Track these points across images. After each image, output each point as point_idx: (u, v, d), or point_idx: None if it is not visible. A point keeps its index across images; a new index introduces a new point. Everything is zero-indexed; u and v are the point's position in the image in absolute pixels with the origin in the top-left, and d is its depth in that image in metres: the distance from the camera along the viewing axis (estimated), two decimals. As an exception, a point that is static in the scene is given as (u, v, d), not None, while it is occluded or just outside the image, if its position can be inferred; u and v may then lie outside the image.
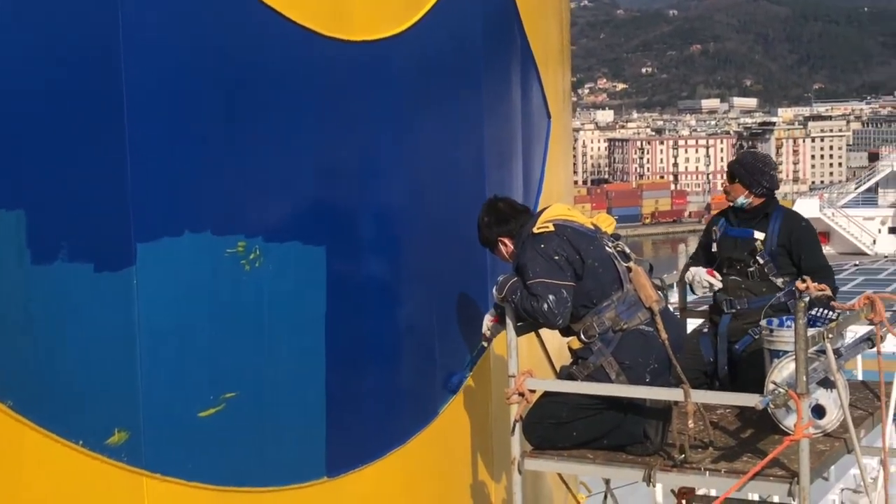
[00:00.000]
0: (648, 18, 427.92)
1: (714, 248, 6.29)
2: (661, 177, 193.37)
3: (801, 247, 6.13)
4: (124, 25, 4.10)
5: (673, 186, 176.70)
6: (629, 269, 5.38)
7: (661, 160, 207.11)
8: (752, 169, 6.21)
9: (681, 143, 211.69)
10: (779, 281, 6.06)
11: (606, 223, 5.57)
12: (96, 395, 4.07)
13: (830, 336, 5.01)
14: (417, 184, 5.81)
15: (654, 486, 5.34)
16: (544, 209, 5.50)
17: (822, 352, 5.20)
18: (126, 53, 4.12)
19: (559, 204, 5.59)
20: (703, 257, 6.44)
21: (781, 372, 5.26)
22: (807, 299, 5.13)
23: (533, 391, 5.42)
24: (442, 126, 6.01)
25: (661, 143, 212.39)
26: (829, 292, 5.69)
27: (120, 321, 4.14)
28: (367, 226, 5.47)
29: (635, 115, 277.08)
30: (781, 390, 4.85)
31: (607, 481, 6.19)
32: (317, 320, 5.06)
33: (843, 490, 13.23)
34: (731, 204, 6.29)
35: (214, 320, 4.53)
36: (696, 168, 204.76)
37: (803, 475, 4.83)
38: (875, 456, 6.23)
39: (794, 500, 4.96)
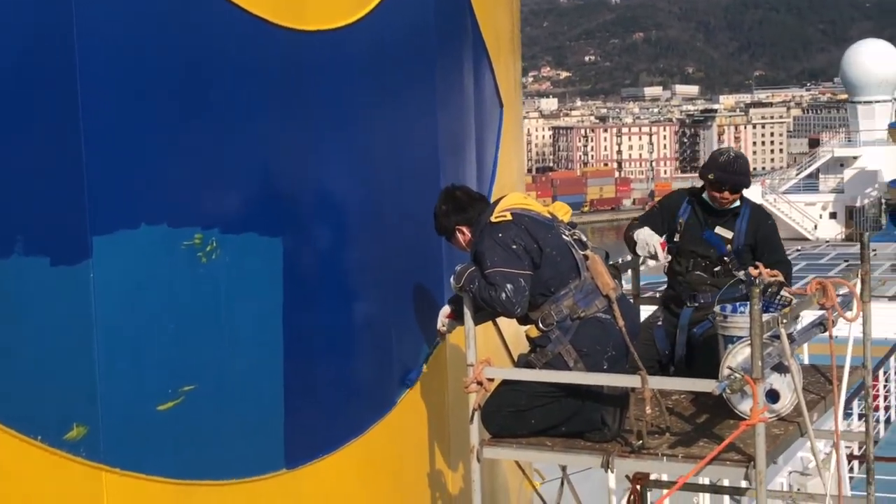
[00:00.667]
0: (591, 7, 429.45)
1: (676, 238, 6.27)
2: (606, 164, 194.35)
3: (766, 244, 6.20)
4: (78, 16, 4.06)
5: (617, 174, 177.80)
6: (586, 258, 5.40)
7: (605, 148, 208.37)
8: (748, 175, 6.19)
9: (624, 130, 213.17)
10: (741, 273, 6.10)
11: (562, 211, 5.59)
12: (54, 389, 4.03)
13: (785, 321, 5.07)
14: (372, 173, 5.80)
15: (612, 472, 5.37)
16: (501, 198, 5.51)
17: (776, 337, 5.26)
18: (80, 44, 4.07)
19: (516, 193, 5.61)
20: (657, 224, 6.30)
21: (736, 357, 5.31)
22: (761, 285, 5.17)
23: (491, 380, 5.43)
24: (396, 115, 6.00)
25: (605, 130, 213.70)
26: (781, 278, 5.75)
27: (77, 315, 4.10)
28: (322, 216, 5.45)
29: (579, 102, 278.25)
30: (737, 375, 4.89)
31: (563, 468, 6.22)
32: (274, 312, 5.04)
33: (790, 473, 13.43)
34: (717, 206, 6.19)
35: (172, 313, 4.50)
36: (640, 155, 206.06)
37: (759, 459, 4.88)
38: (827, 439, 6.33)
39: (750, 484, 5.01)
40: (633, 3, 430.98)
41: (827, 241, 52.70)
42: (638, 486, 6.71)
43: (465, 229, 5.54)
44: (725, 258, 6.12)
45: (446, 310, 5.86)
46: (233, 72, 4.82)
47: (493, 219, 5.35)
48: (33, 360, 3.96)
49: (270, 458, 5.04)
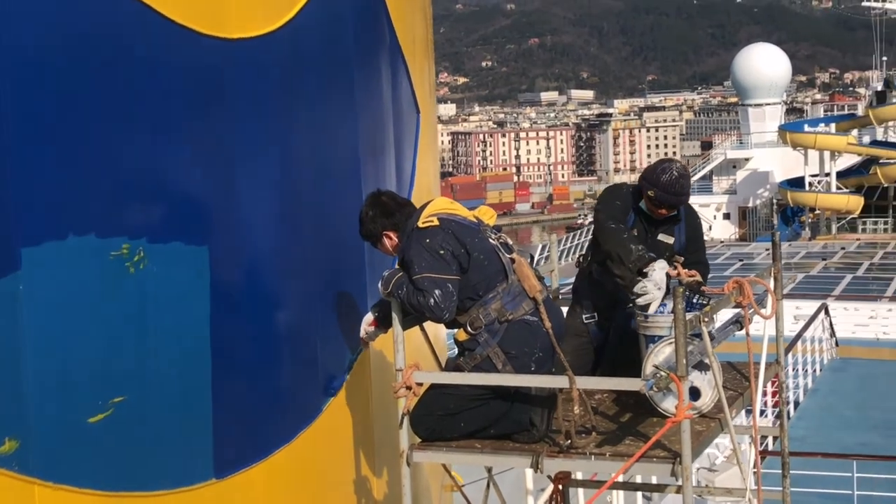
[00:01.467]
0: (487, 13, 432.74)
1: None
2: (504, 169, 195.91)
3: (693, 244, 6.31)
4: None
5: (516, 178, 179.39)
6: (512, 261, 5.47)
7: (504, 153, 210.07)
8: (688, 194, 6.19)
9: (522, 135, 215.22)
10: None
11: (488, 215, 5.65)
12: (-16, 404, 3.95)
13: (706, 320, 5.20)
14: (293, 180, 5.78)
15: (542, 472, 5.44)
16: (427, 203, 5.55)
17: (696, 335, 5.39)
18: (1, 49, 4.00)
19: (442, 197, 5.65)
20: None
21: (657, 356, 5.43)
22: (682, 286, 5.28)
23: (420, 384, 5.47)
24: (316, 121, 5.99)
25: (503, 135, 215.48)
26: (699, 278, 5.89)
27: (6, 327, 4.03)
28: (245, 224, 5.41)
29: (477, 108, 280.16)
30: (663, 373, 5.00)
31: (489, 469, 6.28)
32: (202, 321, 5.00)
33: (698, 469, 13.69)
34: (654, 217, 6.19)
35: (101, 324, 4.44)
36: (538, 160, 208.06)
37: (685, 455, 5.00)
38: (745, 434, 6.49)
39: (676, 480, 5.12)
40: (527, 8, 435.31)
41: (722, 242, 53.74)
42: (560, 486, 6.79)
43: (391, 234, 5.57)
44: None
45: (369, 317, 5.88)
46: (157, 80, 4.77)
47: (420, 224, 5.39)
48: (-38, 373, 3.89)
49: (200, 468, 4.99)
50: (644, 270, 5.81)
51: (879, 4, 64.84)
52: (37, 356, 4.13)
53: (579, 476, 7.31)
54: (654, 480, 7.06)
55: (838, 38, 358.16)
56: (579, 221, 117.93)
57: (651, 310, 5.78)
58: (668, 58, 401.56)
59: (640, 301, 5.79)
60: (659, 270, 5.81)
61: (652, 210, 6.18)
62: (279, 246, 5.64)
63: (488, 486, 6.32)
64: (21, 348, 4.08)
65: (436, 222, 5.38)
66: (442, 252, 5.31)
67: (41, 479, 4.15)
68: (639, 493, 11.59)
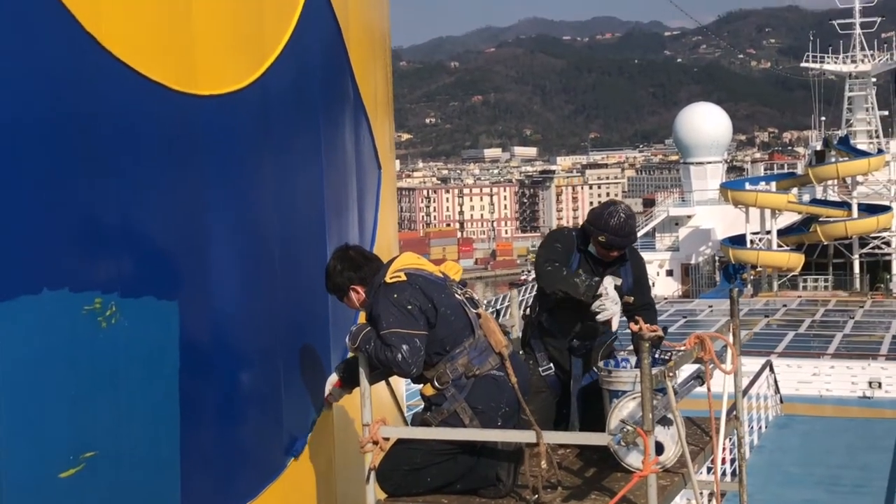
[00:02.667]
0: (430, 70, 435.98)
1: None
2: (448, 225, 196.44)
3: (639, 286, 6.40)
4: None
5: (459, 234, 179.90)
6: (479, 316, 5.52)
7: (448, 208, 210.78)
8: (636, 234, 6.33)
9: (466, 191, 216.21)
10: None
11: (453, 271, 5.71)
12: (-43, 459, 3.92)
13: (671, 375, 5.27)
14: (260, 235, 5.81)
15: (509, 527, 5.46)
16: (394, 258, 5.60)
17: (660, 390, 5.46)
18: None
19: (408, 253, 5.69)
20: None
21: (622, 411, 5.49)
22: (648, 341, 5.36)
23: (387, 439, 5.48)
24: (283, 177, 6.04)
25: (447, 191, 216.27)
26: (660, 333, 5.98)
27: (-21, 382, 4.01)
28: (213, 279, 5.43)
29: (421, 164, 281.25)
30: (629, 428, 5.06)
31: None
32: (171, 376, 5.00)
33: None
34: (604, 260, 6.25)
35: (72, 379, 4.43)
36: (482, 216, 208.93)
37: (652, 509, 5.04)
38: (707, 489, 6.56)
39: (643, 534, 5.17)
40: (470, 66, 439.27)
41: (665, 298, 54.20)
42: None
43: (359, 289, 5.61)
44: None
45: (334, 378, 5.91)
46: (129, 134, 4.80)
47: (387, 279, 5.43)
48: (-64, 429, 3.86)
49: (167, 523, 4.97)
50: (575, 280, 5.98)
51: (817, 66, 66.24)
52: (9, 410, 4.12)
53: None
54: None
55: (777, 97, 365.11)
56: (522, 278, 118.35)
57: (614, 326, 5.98)
58: (610, 116, 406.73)
59: (601, 318, 5.94)
60: (609, 287, 5.94)
61: (602, 254, 6.25)
62: (245, 302, 5.65)
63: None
64: (-7, 402, 4.05)
65: (403, 277, 5.43)
66: (409, 307, 5.35)
67: (12, 535, 4.11)
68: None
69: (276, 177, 5.95)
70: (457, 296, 5.53)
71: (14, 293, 4.15)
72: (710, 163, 67.69)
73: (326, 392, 5.97)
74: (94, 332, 4.52)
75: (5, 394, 4.09)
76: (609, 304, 5.89)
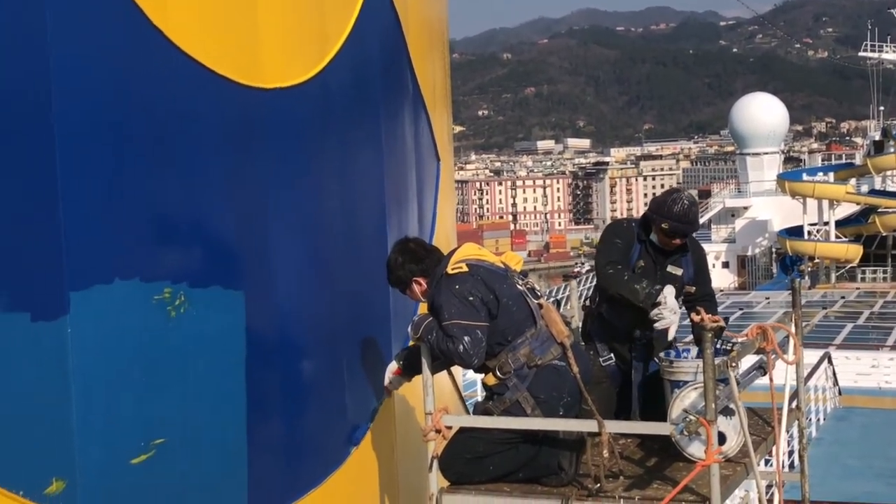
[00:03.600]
0: (483, 62, 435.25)
1: None
2: (501, 217, 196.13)
3: (700, 276, 6.38)
4: (54, 76, 4.11)
5: (512, 226, 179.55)
6: (540, 306, 5.55)
7: (501, 201, 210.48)
8: (699, 221, 6.28)
9: (518, 183, 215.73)
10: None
11: (514, 261, 5.74)
12: (35, 444, 4.03)
13: (734, 365, 5.27)
14: (324, 227, 5.89)
15: (571, 515, 5.49)
16: (455, 249, 5.64)
17: (723, 381, 5.45)
18: (56, 103, 4.11)
19: (470, 244, 5.72)
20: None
21: (684, 401, 5.50)
22: (709, 330, 5.35)
23: (449, 427, 5.53)
24: (345, 169, 6.10)
25: (500, 183, 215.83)
26: (722, 323, 5.96)
27: (55, 370, 4.12)
28: (277, 270, 5.51)
29: (473, 156, 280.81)
30: (692, 418, 5.07)
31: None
32: (238, 364, 5.09)
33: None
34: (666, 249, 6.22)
35: (143, 367, 4.53)
36: (535, 208, 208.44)
37: (714, 499, 5.05)
38: (765, 479, 6.53)
39: (705, 523, 5.17)
40: (524, 58, 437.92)
41: (721, 290, 53.75)
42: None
43: (421, 280, 5.66)
44: (680, 298, 6.25)
45: (393, 366, 5.96)
46: (196, 127, 4.89)
47: (449, 270, 5.47)
48: (15, 415, 3.96)
49: (234, 509, 5.06)
50: (636, 286, 5.97)
51: (875, 55, 65.34)
52: (83, 398, 4.21)
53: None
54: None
55: (834, 87, 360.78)
56: (576, 270, 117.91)
57: (670, 335, 6.01)
58: (665, 107, 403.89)
59: (659, 326, 5.96)
60: (669, 296, 5.94)
61: (665, 242, 6.22)
62: (309, 292, 5.73)
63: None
64: (69, 390, 4.16)
65: (465, 268, 5.46)
66: (471, 298, 5.39)
67: (86, 520, 4.21)
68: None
69: (338, 169, 6.02)
70: (518, 286, 5.55)
71: (88, 283, 4.24)
72: (766, 153, 66.95)
73: (386, 381, 6.03)
74: (164, 321, 4.62)
75: (79, 381, 4.19)
76: (667, 314, 5.91)
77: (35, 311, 4.03)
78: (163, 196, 4.67)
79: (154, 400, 4.56)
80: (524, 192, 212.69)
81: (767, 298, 44.73)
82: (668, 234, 6.14)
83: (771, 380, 5.82)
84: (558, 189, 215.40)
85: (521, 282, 5.60)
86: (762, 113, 67.23)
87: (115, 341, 4.38)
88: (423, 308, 5.87)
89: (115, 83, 4.44)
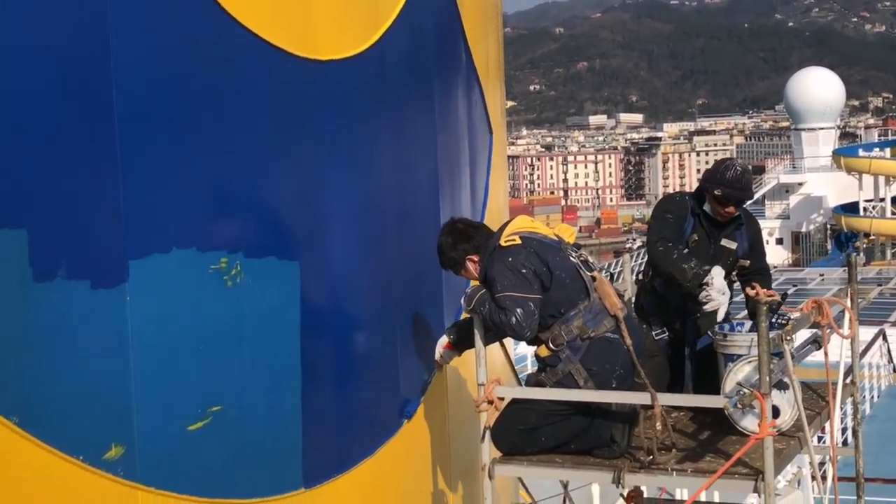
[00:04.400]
0: (535, 36, 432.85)
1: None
2: (552, 192, 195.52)
3: (755, 250, 6.34)
4: (115, 50, 4.14)
5: (563, 202, 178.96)
6: (593, 279, 5.55)
7: (552, 176, 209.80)
8: (752, 189, 6.23)
9: (570, 159, 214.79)
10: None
11: (568, 233, 5.74)
12: (94, 410, 4.08)
13: (789, 339, 5.24)
14: (378, 198, 5.92)
15: (623, 487, 5.51)
16: (508, 221, 5.65)
17: (777, 354, 5.43)
18: (116, 75, 4.15)
19: (523, 216, 5.73)
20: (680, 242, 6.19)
21: (737, 374, 5.49)
22: (765, 305, 5.33)
23: (501, 399, 5.55)
24: (399, 141, 6.13)
25: (551, 159, 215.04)
26: (777, 297, 5.93)
27: (114, 337, 4.17)
28: (332, 241, 5.55)
29: (524, 131, 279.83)
30: (746, 391, 5.06)
31: (565, 484, 6.35)
32: (292, 334, 5.13)
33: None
34: (720, 219, 6.20)
35: (200, 335, 4.57)
36: (586, 183, 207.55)
37: (768, 472, 5.04)
38: (819, 454, 6.51)
39: (758, 497, 5.17)
40: (576, 32, 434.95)
41: (775, 267, 53.31)
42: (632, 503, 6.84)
43: (475, 257, 5.66)
44: (734, 272, 6.22)
45: (444, 340, 5.99)
46: (253, 99, 4.92)
47: (502, 242, 5.48)
48: (75, 381, 4.02)
49: (290, 477, 5.11)
50: (685, 266, 5.96)
51: (935, 29, 64.21)
52: (141, 364, 4.27)
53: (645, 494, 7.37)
54: (732, 499, 7.09)
55: (892, 62, 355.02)
56: (627, 246, 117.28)
57: (719, 316, 5.98)
58: (719, 82, 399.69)
59: (707, 308, 5.95)
60: (717, 276, 5.93)
61: (718, 211, 6.17)
62: (363, 263, 5.77)
63: (564, 501, 6.38)
64: (127, 357, 4.21)
65: (518, 241, 5.47)
66: (524, 271, 5.39)
67: (144, 485, 4.28)
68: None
69: (392, 141, 6.04)
70: (571, 258, 5.55)
71: (146, 252, 4.29)
72: (822, 129, 66.20)
73: (437, 355, 6.06)
74: (220, 290, 4.66)
75: (137, 349, 4.24)
76: (715, 294, 5.91)
77: (95, 279, 4.07)
78: (219, 166, 4.70)
79: (210, 368, 4.61)
80: (576, 167, 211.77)
81: (822, 275, 44.34)
82: (721, 202, 6.09)
83: (826, 354, 5.79)
84: (610, 164, 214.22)
85: (574, 254, 5.59)
86: (818, 88, 66.43)
87: (173, 309, 4.43)
88: (475, 281, 5.89)
89: (174, 53, 4.47)
